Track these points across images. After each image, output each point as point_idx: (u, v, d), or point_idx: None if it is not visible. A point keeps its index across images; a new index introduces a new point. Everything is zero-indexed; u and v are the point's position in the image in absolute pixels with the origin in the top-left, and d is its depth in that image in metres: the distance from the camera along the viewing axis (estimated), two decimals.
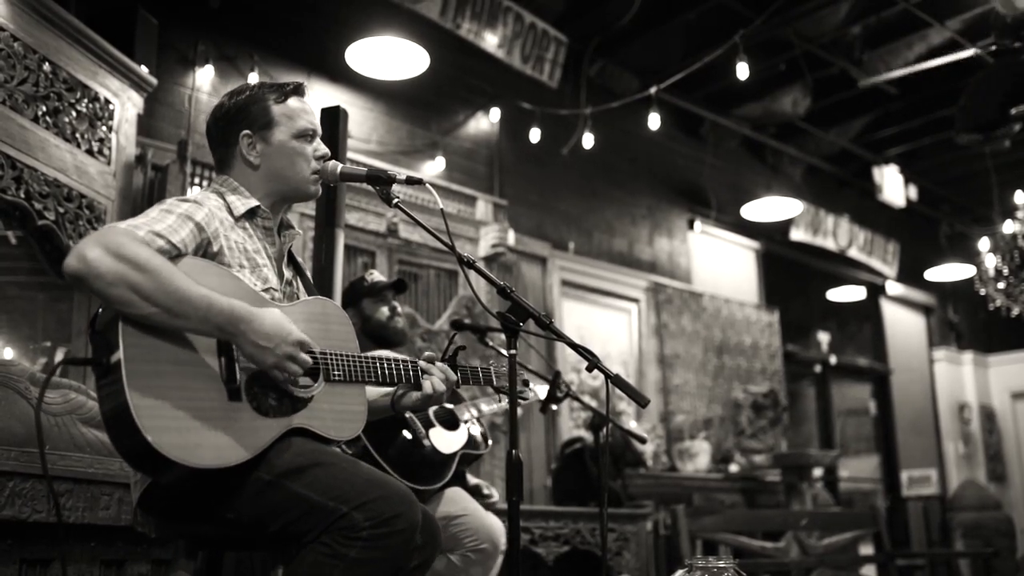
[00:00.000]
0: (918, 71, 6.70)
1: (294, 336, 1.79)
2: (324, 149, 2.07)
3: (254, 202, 2.00)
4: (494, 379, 2.35)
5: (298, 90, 2.08)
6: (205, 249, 1.85)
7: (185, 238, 1.79)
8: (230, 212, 1.96)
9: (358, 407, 1.98)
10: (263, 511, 1.76)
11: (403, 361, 2.07)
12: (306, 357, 1.81)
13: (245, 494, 1.76)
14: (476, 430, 3.20)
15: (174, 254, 1.76)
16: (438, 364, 2.12)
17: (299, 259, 2.18)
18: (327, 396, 1.91)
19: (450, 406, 3.15)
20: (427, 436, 3.00)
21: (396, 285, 3.33)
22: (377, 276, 3.34)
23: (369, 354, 2.02)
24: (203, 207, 1.88)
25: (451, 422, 3.12)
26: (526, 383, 2.51)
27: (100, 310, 1.74)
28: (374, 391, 2.14)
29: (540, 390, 2.97)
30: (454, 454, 3.07)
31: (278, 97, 2.04)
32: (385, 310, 3.27)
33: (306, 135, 2.04)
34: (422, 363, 2.10)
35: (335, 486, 1.74)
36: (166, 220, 1.78)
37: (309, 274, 2.22)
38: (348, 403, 1.96)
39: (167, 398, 1.66)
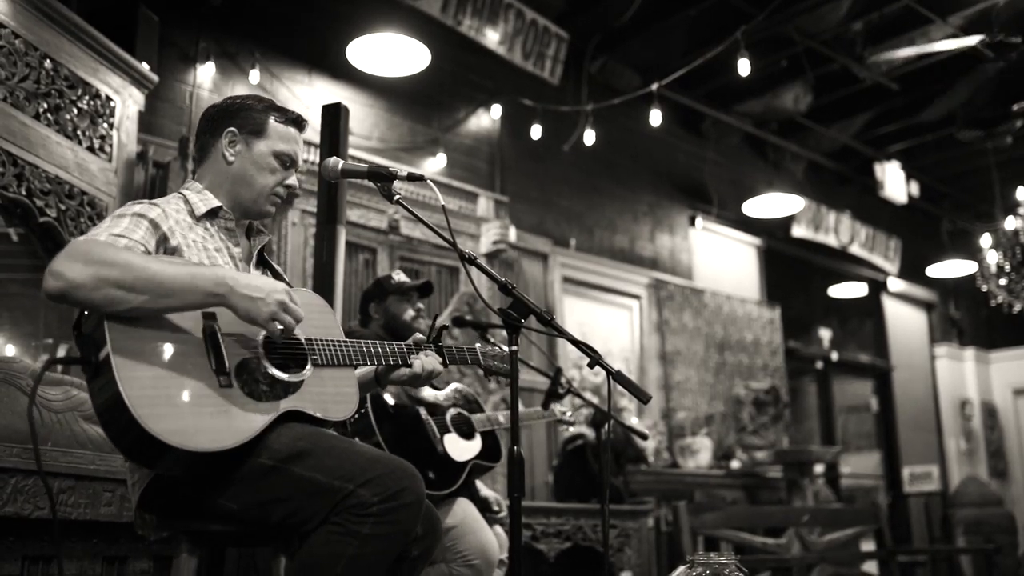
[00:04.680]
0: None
1: (282, 286, 1.83)
2: (295, 182, 2.09)
3: (216, 202, 2.03)
4: (480, 359, 2.37)
5: (298, 122, 2.12)
6: (164, 246, 1.89)
7: (144, 236, 1.84)
8: (191, 212, 2.00)
9: (349, 389, 2.02)
10: (267, 498, 1.77)
11: (390, 343, 2.11)
12: (297, 308, 1.83)
13: (248, 482, 1.77)
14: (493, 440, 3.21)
15: (139, 251, 1.80)
16: (425, 348, 2.18)
17: (274, 263, 2.21)
18: (317, 381, 1.94)
19: (467, 414, 3.15)
20: (441, 442, 3.00)
21: (423, 288, 3.35)
22: (403, 276, 3.36)
23: (353, 339, 2.06)
24: (156, 207, 1.93)
25: (467, 431, 3.12)
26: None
27: (84, 313, 1.76)
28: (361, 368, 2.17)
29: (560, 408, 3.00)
30: (466, 463, 3.06)
31: (279, 117, 2.09)
32: (411, 311, 3.29)
33: (285, 159, 2.07)
34: (410, 343, 2.16)
35: (339, 466, 1.76)
36: (121, 224, 1.84)
37: (284, 273, 2.24)
38: (339, 386, 1.99)
39: (159, 387, 1.68)
